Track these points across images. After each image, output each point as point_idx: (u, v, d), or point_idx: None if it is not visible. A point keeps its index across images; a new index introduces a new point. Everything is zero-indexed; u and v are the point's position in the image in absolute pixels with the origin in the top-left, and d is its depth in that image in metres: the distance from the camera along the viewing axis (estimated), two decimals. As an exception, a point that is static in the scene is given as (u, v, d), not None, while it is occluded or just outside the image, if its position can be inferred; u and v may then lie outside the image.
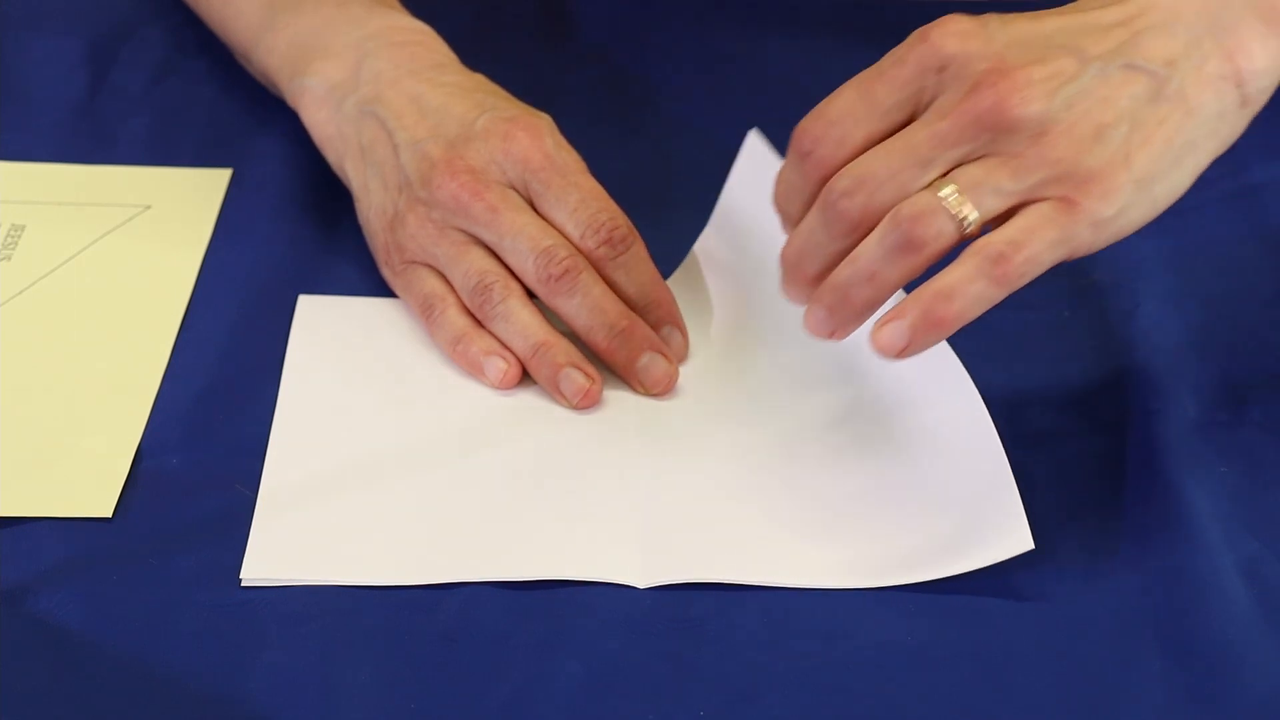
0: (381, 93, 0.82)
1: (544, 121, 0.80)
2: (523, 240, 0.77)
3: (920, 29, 0.66)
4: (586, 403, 0.76)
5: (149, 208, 0.87)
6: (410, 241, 0.79)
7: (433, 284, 0.79)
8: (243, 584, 0.67)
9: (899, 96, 0.66)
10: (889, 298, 0.67)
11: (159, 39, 0.99)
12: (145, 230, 0.86)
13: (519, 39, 1.00)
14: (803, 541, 0.70)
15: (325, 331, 0.80)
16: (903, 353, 0.66)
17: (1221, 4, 0.67)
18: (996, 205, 0.65)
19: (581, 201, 0.77)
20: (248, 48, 0.91)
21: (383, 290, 0.81)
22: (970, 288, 0.65)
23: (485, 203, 0.77)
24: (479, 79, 0.83)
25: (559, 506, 0.71)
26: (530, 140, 0.78)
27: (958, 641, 0.66)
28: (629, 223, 0.77)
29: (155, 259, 0.84)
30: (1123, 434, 0.74)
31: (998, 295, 0.65)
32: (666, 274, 0.81)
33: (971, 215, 0.65)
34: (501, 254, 0.77)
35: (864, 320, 0.68)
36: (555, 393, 0.76)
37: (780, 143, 0.72)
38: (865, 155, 0.66)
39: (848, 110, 0.66)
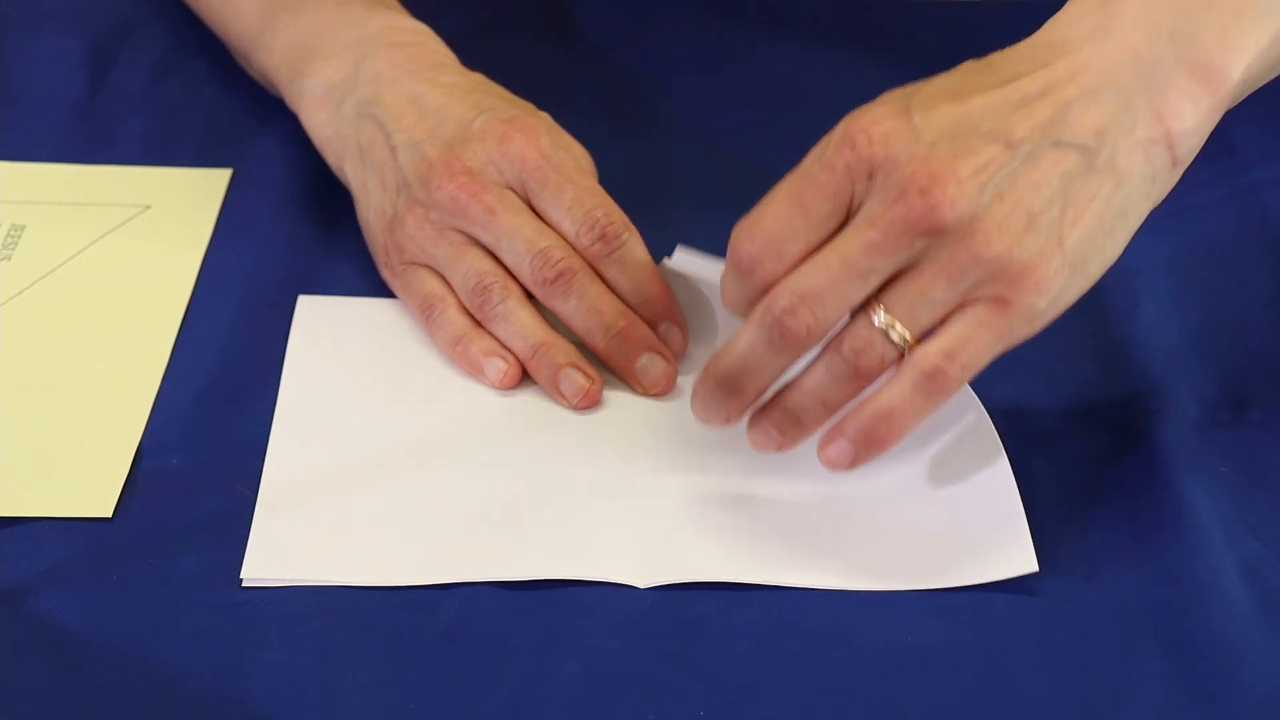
0: (380, 94, 0.82)
1: (542, 121, 0.80)
2: (519, 242, 0.77)
3: (845, 124, 0.65)
4: (586, 403, 0.76)
5: (149, 208, 0.87)
6: (409, 242, 0.79)
7: (432, 285, 0.79)
8: (243, 584, 0.67)
9: (831, 205, 0.66)
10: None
11: (159, 39, 0.99)
12: (145, 230, 0.86)
13: (519, 39, 1.00)
14: (803, 542, 0.70)
15: (325, 332, 0.80)
16: (850, 466, 0.67)
17: (1153, 61, 0.66)
18: (933, 318, 0.66)
19: (576, 199, 0.77)
20: (247, 48, 0.91)
21: (382, 290, 0.81)
22: (908, 405, 0.66)
23: (483, 204, 0.77)
24: (478, 79, 0.83)
25: (559, 506, 0.71)
26: (526, 141, 0.78)
27: (958, 641, 0.66)
28: (624, 219, 0.77)
29: (155, 259, 0.84)
30: (1123, 434, 0.74)
31: (937, 405, 0.66)
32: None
33: (910, 334, 0.66)
34: (499, 255, 0.77)
35: (811, 436, 0.69)
36: (555, 393, 0.76)
37: (781, 142, 0.72)
38: (804, 269, 0.66)
39: (783, 224, 0.66)
